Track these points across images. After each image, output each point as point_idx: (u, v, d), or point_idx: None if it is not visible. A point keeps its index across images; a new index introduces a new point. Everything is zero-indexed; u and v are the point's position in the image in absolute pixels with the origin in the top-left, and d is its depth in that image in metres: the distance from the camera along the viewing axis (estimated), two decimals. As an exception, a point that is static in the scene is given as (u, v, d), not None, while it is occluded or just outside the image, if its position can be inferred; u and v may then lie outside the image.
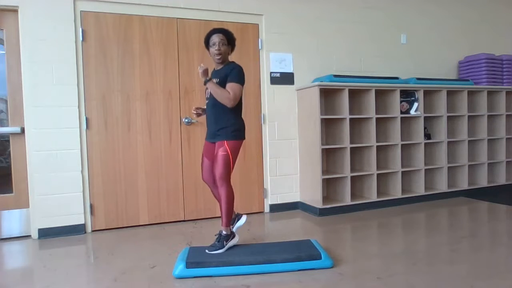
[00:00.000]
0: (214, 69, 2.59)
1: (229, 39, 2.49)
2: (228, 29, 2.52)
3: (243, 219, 2.60)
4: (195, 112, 2.61)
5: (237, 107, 2.47)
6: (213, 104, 2.45)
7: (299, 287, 2.01)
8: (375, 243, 2.71)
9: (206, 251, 2.34)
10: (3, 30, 3.08)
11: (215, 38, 2.43)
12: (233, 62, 2.52)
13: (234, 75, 2.40)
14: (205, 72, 2.38)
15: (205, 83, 2.40)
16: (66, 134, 3.14)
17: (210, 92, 2.44)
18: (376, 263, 2.32)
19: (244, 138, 2.52)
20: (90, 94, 3.24)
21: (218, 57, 2.45)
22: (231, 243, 2.41)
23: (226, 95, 2.35)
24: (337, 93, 3.77)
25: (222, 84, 2.42)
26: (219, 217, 3.60)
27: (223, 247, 2.36)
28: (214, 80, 2.44)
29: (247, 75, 3.69)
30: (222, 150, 2.39)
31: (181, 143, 3.52)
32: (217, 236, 2.41)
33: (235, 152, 2.44)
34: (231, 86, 2.37)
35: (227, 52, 2.50)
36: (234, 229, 2.52)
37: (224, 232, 2.40)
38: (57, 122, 3.12)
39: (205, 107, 2.60)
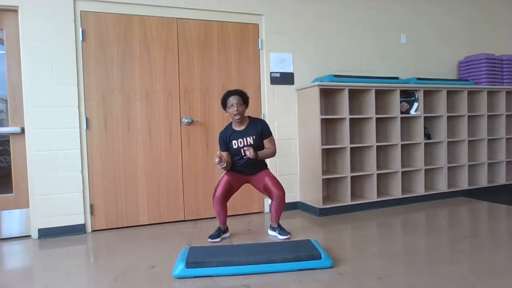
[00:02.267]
0: (233, 129, 2.85)
1: (245, 99, 2.81)
2: (243, 90, 2.86)
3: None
4: (218, 159, 2.69)
5: None
6: (253, 159, 2.80)
7: (299, 287, 2.01)
8: (375, 243, 2.71)
9: (286, 236, 2.82)
10: (3, 30, 3.08)
11: (232, 100, 2.75)
12: (251, 117, 2.90)
13: (268, 130, 2.87)
14: (256, 152, 2.73)
15: (257, 158, 2.74)
16: (66, 134, 3.14)
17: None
18: (376, 263, 2.32)
19: None
20: (90, 94, 3.24)
21: (238, 117, 2.76)
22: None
23: (273, 151, 2.87)
24: (337, 93, 3.77)
25: (258, 140, 2.83)
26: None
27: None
28: (249, 139, 2.81)
29: (247, 75, 3.71)
30: (269, 172, 2.93)
31: (181, 143, 3.52)
32: (277, 227, 2.91)
33: None
34: (271, 141, 2.88)
35: (244, 110, 2.82)
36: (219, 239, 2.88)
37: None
38: (57, 122, 3.12)
39: (234, 159, 2.89)
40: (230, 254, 2.28)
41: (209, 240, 2.83)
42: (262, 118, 3.77)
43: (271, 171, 2.98)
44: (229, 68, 3.66)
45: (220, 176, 2.96)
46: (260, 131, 2.83)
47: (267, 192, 2.88)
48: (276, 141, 3.78)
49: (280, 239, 2.85)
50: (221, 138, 2.87)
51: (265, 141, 2.85)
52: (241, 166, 2.88)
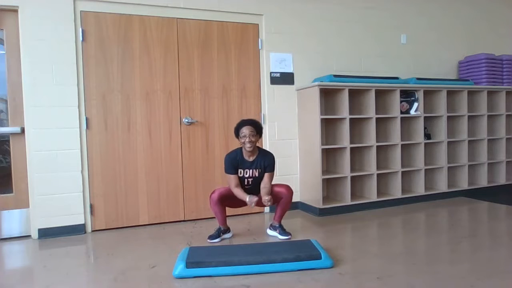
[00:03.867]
0: (243, 157, 2.83)
1: (258, 130, 2.81)
2: (258, 121, 2.86)
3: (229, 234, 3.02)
4: (255, 204, 2.73)
5: None
6: (253, 187, 2.88)
7: (299, 287, 2.01)
8: (375, 243, 2.71)
9: (287, 237, 2.83)
10: (3, 30, 3.08)
11: (245, 131, 2.75)
12: (260, 148, 2.90)
13: (273, 166, 2.87)
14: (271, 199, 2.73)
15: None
16: (66, 134, 3.14)
17: (252, 181, 2.86)
18: (376, 263, 2.32)
19: None
20: (90, 94, 3.24)
21: (250, 149, 2.76)
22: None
23: (271, 188, 2.84)
24: (337, 93, 3.77)
25: (263, 172, 2.84)
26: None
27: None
28: (255, 171, 2.83)
29: (247, 75, 3.71)
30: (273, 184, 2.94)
31: (181, 143, 3.52)
32: (279, 227, 2.93)
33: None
34: (271, 176, 2.87)
35: (257, 141, 2.81)
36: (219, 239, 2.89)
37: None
38: (57, 122, 3.12)
39: (246, 187, 2.90)
40: (230, 254, 2.28)
41: (208, 240, 2.83)
42: (262, 118, 3.77)
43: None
44: (229, 68, 3.66)
45: (223, 170, 2.97)
46: (266, 165, 2.84)
47: (276, 197, 2.87)
48: (276, 141, 3.81)
49: (281, 239, 2.85)
50: (231, 161, 2.82)
51: (266, 174, 2.84)
52: (250, 189, 2.91)
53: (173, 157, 3.49)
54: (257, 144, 2.88)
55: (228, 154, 2.87)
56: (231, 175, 2.81)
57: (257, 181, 2.86)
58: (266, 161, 2.84)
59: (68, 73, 3.14)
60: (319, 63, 3.99)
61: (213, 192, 2.82)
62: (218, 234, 2.88)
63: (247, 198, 2.70)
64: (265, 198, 2.69)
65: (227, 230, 2.98)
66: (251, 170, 2.84)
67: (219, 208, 2.83)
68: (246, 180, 2.86)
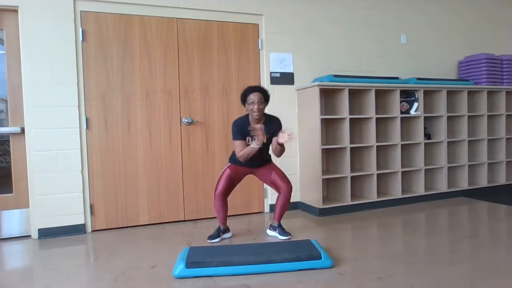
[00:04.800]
0: (250, 124, 2.75)
1: (266, 97, 2.75)
2: (264, 88, 2.80)
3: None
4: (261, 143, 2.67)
5: None
6: (261, 151, 2.77)
7: (299, 287, 2.01)
8: (375, 243, 2.71)
9: (287, 237, 2.82)
10: (3, 30, 3.08)
11: (254, 97, 2.68)
12: (268, 116, 2.82)
13: (281, 128, 2.80)
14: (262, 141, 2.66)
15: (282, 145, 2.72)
16: (66, 134, 3.14)
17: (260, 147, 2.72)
18: (376, 263, 2.32)
19: None
20: (90, 94, 3.24)
21: (257, 116, 2.69)
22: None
23: (284, 149, 2.77)
24: (337, 93, 3.77)
25: (270, 138, 2.77)
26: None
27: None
28: (265, 137, 2.70)
29: (247, 75, 3.71)
30: (275, 166, 2.93)
31: (181, 143, 3.52)
32: (278, 227, 2.92)
33: None
34: None
35: (264, 108, 2.76)
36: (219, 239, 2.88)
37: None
38: (57, 122, 3.12)
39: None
40: (230, 254, 2.28)
41: (208, 241, 2.83)
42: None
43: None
44: (229, 68, 3.66)
45: (222, 170, 2.94)
46: (274, 130, 2.77)
47: (275, 186, 2.89)
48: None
49: (281, 239, 2.85)
50: (238, 127, 2.76)
51: (275, 137, 2.77)
52: (249, 160, 2.79)
53: (173, 157, 3.49)
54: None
55: (235, 121, 2.81)
56: (238, 141, 2.75)
57: (266, 146, 2.79)
58: (274, 126, 2.79)
59: (68, 73, 3.14)
60: (319, 63, 3.99)
61: (216, 187, 2.82)
62: (217, 234, 2.88)
63: (252, 144, 2.65)
64: (283, 134, 2.60)
65: (227, 229, 2.97)
66: (266, 136, 2.74)
67: (223, 204, 2.83)
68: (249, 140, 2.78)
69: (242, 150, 2.70)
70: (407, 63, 4.45)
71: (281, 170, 2.91)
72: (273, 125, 2.79)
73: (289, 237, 2.84)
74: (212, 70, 3.60)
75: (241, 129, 2.76)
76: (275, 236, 2.94)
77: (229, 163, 2.90)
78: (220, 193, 2.80)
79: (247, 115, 2.80)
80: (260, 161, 2.88)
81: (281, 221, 3.00)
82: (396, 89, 3.91)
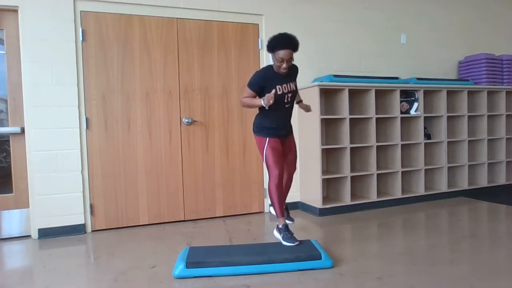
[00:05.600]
0: (275, 72, 2.41)
1: (296, 50, 2.38)
2: (296, 39, 2.35)
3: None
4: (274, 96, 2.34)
5: None
6: (292, 107, 2.55)
7: (299, 287, 2.01)
8: (375, 243, 2.71)
9: (290, 244, 2.39)
10: (3, 30, 3.07)
11: (284, 55, 2.29)
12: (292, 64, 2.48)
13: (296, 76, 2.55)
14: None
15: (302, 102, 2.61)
16: (66, 134, 3.14)
17: (291, 97, 2.46)
18: (376, 263, 2.32)
19: None
20: (90, 94, 3.24)
21: (285, 73, 2.40)
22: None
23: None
24: (337, 93, 3.77)
25: (296, 85, 2.52)
26: (219, 217, 3.61)
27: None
28: (293, 85, 2.47)
29: (247, 75, 3.71)
30: (295, 143, 2.66)
31: (181, 143, 3.52)
32: (284, 230, 2.46)
33: None
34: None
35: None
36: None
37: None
38: (57, 122, 3.12)
39: (273, 109, 2.43)
40: (230, 254, 2.28)
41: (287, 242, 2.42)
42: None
43: None
44: (229, 68, 3.66)
45: (264, 146, 2.49)
46: (295, 74, 2.53)
47: (286, 165, 2.60)
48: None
49: (284, 244, 2.43)
50: (259, 79, 2.40)
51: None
52: (279, 120, 2.49)
53: (173, 157, 3.49)
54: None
55: (258, 71, 2.47)
56: (251, 91, 2.41)
57: (295, 95, 2.51)
58: (295, 70, 2.52)
59: (68, 73, 3.14)
60: (319, 63, 3.99)
61: (270, 172, 2.46)
62: (288, 231, 2.46)
63: (261, 101, 2.34)
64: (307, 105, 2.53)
65: (290, 219, 2.65)
66: (288, 85, 2.43)
67: (281, 190, 2.51)
68: (286, 96, 2.43)
69: (249, 98, 2.42)
70: (407, 63, 4.45)
71: (296, 151, 2.66)
72: (295, 72, 2.53)
73: (295, 243, 2.39)
74: (212, 70, 3.60)
75: (263, 80, 2.39)
76: (279, 240, 2.49)
77: (263, 137, 2.48)
78: (280, 174, 2.42)
79: (270, 66, 2.45)
80: (288, 124, 2.57)
81: (272, 224, 2.70)
82: (396, 89, 3.91)
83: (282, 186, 2.51)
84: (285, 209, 2.61)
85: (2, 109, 3.15)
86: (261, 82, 2.40)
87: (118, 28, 3.30)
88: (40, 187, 3.07)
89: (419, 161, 4.11)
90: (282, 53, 2.29)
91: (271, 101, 2.28)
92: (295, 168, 2.67)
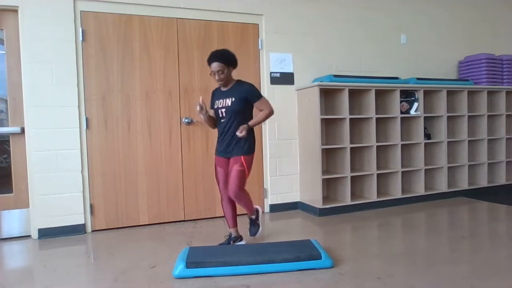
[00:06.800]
0: (219, 90, 2.67)
1: (228, 62, 2.52)
2: (226, 51, 2.54)
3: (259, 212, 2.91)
4: (199, 107, 2.50)
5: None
6: (231, 124, 2.57)
7: (299, 287, 2.01)
8: (375, 243, 2.71)
9: (254, 237, 2.80)
10: (3, 30, 3.08)
11: (214, 67, 2.49)
12: (240, 81, 2.63)
13: (255, 93, 2.58)
14: (246, 132, 2.49)
15: (251, 127, 2.57)
16: (66, 134, 3.14)
17: (226, 112, 2.56)
18: (376, 263, 2.32)
19: (254, 151, 2.68)
20: (90, 94, 3.24)
21: (221, 83, 2.57)
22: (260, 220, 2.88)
23: (267, 112, 2.59)
24: (337, 93, 3.77)
25: (239, 102, 2.54)
26: (219, 217, 3.61)
27: (259, 225, 2.86)
28: (228, 100, 2.56)
29: (247, 75, 3.71)
30: (239, 165, 2.55)
31: (181, 143, 3.52)
32: (251, 222, 2.85)
33: (250, 166, 2.63)
34: (262, 103, 2.58)
35: (229, 75, 2.56)
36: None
37: (253, 217, 2.83)
38: (57, 122, 3.12)
39: (217, 124, 2.69)
40: (230, 254, 2.28)
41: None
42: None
43: (246, 161, 2.57)
44: (229, 68, 3.66)
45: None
46: (245, 96, 2.54)
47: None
48: (276, 141, 3.79)
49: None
50: (212, 93, 2.73)
51: (256, 105, 2.58)
52: (220, 136, 2.64)
53: (173, 157, 3.49)
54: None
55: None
56: (210, 110, 2.71)
57: (232, 111, 2.53)
58: (243, 92, 2.54)
59: (68, 73, 3.14)
60: (319, 63, 3.99)
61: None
62: (228, 242, 2.70)
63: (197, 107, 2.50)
64: (237, 133, 2.48)
65: (239, 237, 2.75)
66: (224, 100, 2.57)
67: (227, 204, 2.71)
68: (220, 111, 2.59)
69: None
70: (407, 63, 4.45)
71: (240, 172, 2.53)
72: (242, 91, 2.54)
73: (259, 230, 2.84)
74: (212, 70, 3.59)
75: (212, 96, 2.73)
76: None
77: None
78: (221, 190, 2.70)
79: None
80: (227, 146, 2.59)
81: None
82: (396, 89, 3.91)
83: (227, 203, 2.71)
84: (250, 219, 2.87)
85: (2, 109, 3.15)
86: (211, 97, 2.72)
87: (118, 28, 3.30)
88: (40, 187, 3.07)
89: (419, 161, 4.11)
90: (212, 66, 2.50)
91: (199, 113, 2.51)
92: (232, 193, 2.54)
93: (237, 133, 2.47)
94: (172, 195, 3.50)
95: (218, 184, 2.72)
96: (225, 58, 2.50)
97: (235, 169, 2.53)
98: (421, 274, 2.13)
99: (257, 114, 2.61)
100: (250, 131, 2.62)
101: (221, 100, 2.59)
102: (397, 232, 2.98)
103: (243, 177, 2.55)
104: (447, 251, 2.49)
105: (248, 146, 2.58)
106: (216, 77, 2.51)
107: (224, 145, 2.61)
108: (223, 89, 2.63)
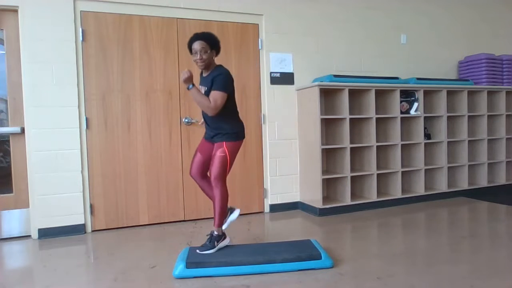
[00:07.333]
0: (201, 75, 2.50)
1: (212, 44, 2.37)
2: (210, 33, 2.41)
3: (236, 213, 2.55)
4: (188, 73, 2.33)
5: (231, 111, 2.44)
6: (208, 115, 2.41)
7: (299, 287, 2.01)
8: (375, 243, 2.71)
9: (197, 251, 2.33)
10: (3, 30, 3.07)
11: (196, 46, 2.32)
12: (219, 66, 2.43)
13: (218, 83, 2.32)
14: (189, 78, 2.29)
15: (188, 89, 2.32)
16: (66, 134, 3.14)
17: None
18: (376, 263, 2.32)
19: (242, 138, 2.50)
20: (90, 94, 3.24)
21: (201, 65, 2.37)
22: (222, 244, 2.40)
23: (206, 103, 2.29)
24: (337, 93, 3.77)
25: (209, 92, 2.35)
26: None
27: (214, 247, 2.35)
28: (202, 89, 2.40)
29: (247, 75, 3.71)
30: (220, 151, 2.38)
31: (181, 143, 3.52)
32: (208, 236, 2.41)
33: (233, 153, 2.43)
34: (212, 95, 2.31)
35: (211, 57, 2.39)
36: (226, 224, 2.49)
37: (215, 233, 2.39)
38: (57, 122, 3.12)
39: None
40: (230, 254, 2.28)
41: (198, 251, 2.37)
42: (262, 118, 3.76)
43: (229, 148, 2.40)
44: (229, 68, 3.60)
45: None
46: (213, 80, 2.34)
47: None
48: (276, 141, 3.79)
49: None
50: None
51: (210, 93, 2.33)
52: (205, 118, 2.50)
53: (173, 157, 3.49)
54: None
55: None
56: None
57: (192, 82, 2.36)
58: (212, 75, 2.34)
59: (68, 73, 3.14)
60: (319, 63, 3.99)
61: None
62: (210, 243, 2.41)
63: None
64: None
65: (222, 236, 2.45)
66: (202, 87, 2.44)
67: (201, 185, 2.57)
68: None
69: None
70: (407, 63, 4.45)
71: (222, 158, 2.37)
72: (213, 75, 2.35)
73: (207, 251, 2.34)
74: (212, 70, 3.59)
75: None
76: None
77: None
78: (190, 174, 2.55)
79: None
80: (211, 127, 2.47)
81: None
82: (396, 89, 3.91)
83: (198, 183, 2.56)
84: (209, 235, 2.44)
85: (2, 109, 3.15)
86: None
87: (118, 28, 3.30)
88: (40, 187, 3.07)
89: (419, 161, 4.11)
90: (194, 45, 2.34)
91: (185, 81, 2.30)
92: (212, 177, 2.39)
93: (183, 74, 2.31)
94: (172, 195, 3.50)
95: (191, 170, 2.57)
96: (209, 39, 2.36)
97: (217, 155, 2.38)
98: (421, 274, 2.13)
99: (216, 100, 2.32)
100: (235, 118, 2.48)
101: (201, 87, 2.45)
102: (397, 232, 2.98)
103: (224, 163, 2.37)
104: (447, 251, 2.50)
105: (231, 132, 2.42)
106: (198, 56, 2.32)
107: (209, 131, 2.50)
108: (204, 74, 2.46)
